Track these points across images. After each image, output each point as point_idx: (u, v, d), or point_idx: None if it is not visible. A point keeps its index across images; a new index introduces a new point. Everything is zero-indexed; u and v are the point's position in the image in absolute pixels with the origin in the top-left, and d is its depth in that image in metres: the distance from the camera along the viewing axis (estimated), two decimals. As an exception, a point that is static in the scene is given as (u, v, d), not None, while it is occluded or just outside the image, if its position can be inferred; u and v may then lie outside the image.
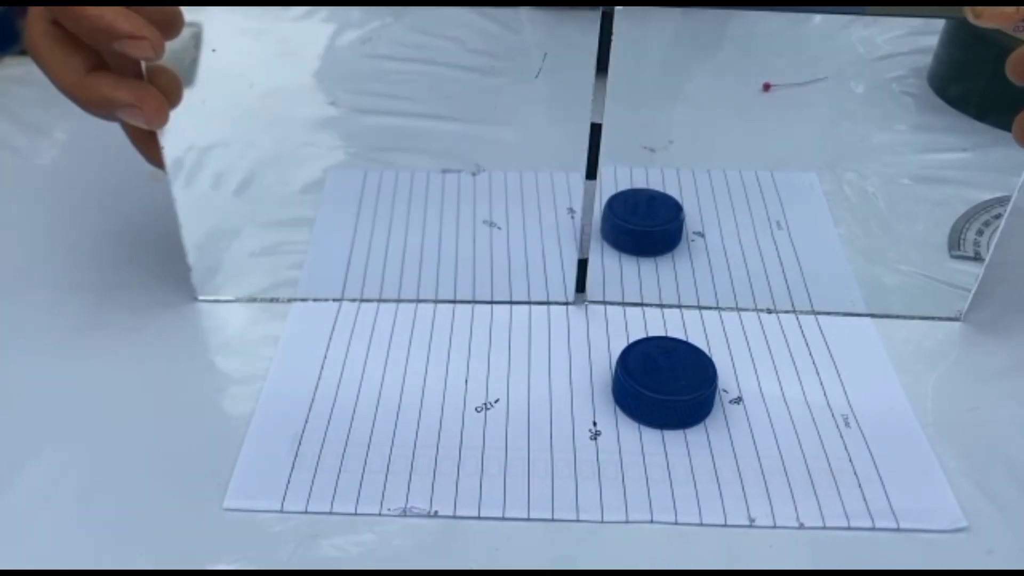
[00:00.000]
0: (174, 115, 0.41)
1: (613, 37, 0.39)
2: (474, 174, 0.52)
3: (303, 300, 0.48)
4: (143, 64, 0.40)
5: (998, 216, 0.45)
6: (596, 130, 0.41)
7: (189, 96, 0.42)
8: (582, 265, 0.46)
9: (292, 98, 0.47)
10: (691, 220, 0.51)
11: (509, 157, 0.52)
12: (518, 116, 0.49)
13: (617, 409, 0.42)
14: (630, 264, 0.50)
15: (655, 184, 0.52)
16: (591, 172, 0.43)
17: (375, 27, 0.46)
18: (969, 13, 0.38)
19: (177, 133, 0.42)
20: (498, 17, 0.49)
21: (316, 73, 0.47)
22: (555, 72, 0.45)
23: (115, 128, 0.54)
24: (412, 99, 0.48)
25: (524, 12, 0.49)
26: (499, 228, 0.50)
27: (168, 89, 0.41)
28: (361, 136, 0.49)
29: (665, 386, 0.41)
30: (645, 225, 0.50)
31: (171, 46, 0.39)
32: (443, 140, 0.50)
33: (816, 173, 0.51)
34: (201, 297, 0.48)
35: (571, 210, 0.51)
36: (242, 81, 0.44)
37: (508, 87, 0.48)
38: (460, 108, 0.48)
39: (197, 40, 0.42)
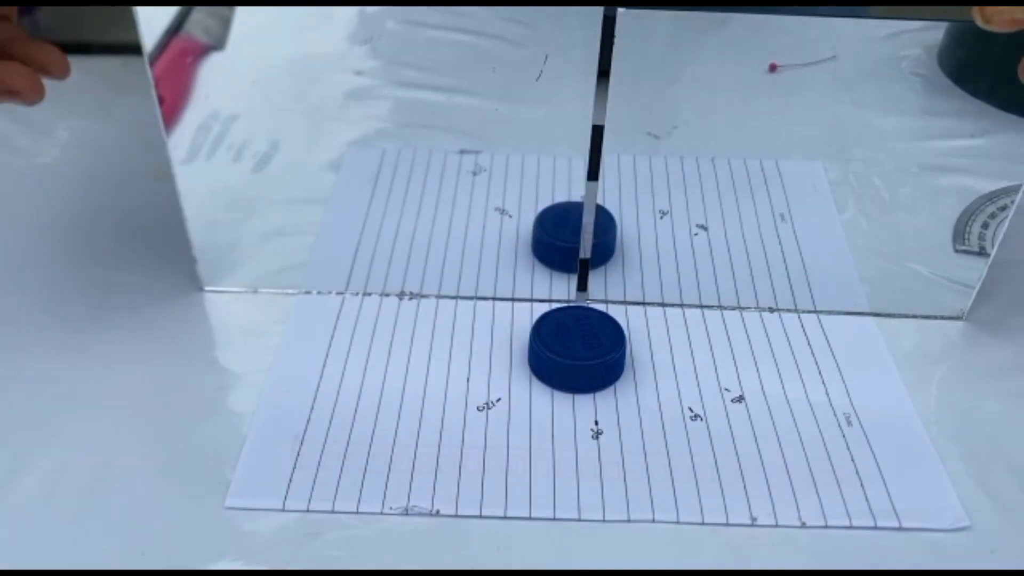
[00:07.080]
0: (201, 81, 0.40)
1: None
2: (476, 170, 0.51)
3: (307, 293, 0.48)
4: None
5: (1004, 208, 0.45)
6: (597, 131, 0.41)
7: (218, 60, 0.41)
8: (583, 265, 0.46)
9: (318, 66, 0.45)
10: (694, 213, 0.51)
11: (529, 139, 0.51)
12: (547, 95, 0.47)
13: (620, 408, 0.42)
14: (614, 269, 0.49)
15: (659, 175, 0.52)
16: (593, 173, 0.43)
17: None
18: (977, 16, 0.36)
19: (204, 100, 0.41)
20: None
21: (347, 37, 0.45)
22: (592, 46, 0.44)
23: (116, 127, 0.54)
24: (439, 71, 0.47)
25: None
26: (510, 216, 0.50)
27: (47, 61, 0.40)
28: (383, 110, 0.48)
29: (574, 351, 0.42)
30: (573, 241, 0.47)
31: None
32: (466, 117, 0.48)
33: (821, 162, 0.50)
34: (207, 288, 0.48)
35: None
36: (271, 46, 0.43)
37: (539, 62, 0.46)
38: (488, 82, 0.47)
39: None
